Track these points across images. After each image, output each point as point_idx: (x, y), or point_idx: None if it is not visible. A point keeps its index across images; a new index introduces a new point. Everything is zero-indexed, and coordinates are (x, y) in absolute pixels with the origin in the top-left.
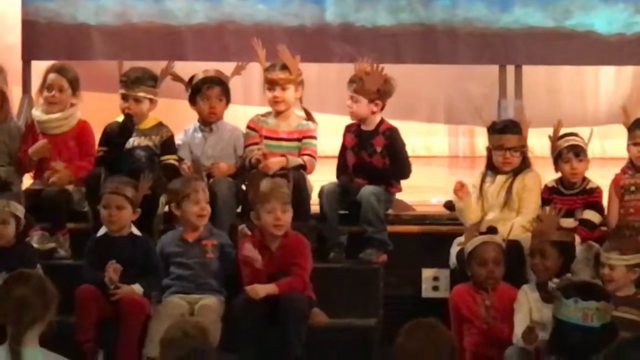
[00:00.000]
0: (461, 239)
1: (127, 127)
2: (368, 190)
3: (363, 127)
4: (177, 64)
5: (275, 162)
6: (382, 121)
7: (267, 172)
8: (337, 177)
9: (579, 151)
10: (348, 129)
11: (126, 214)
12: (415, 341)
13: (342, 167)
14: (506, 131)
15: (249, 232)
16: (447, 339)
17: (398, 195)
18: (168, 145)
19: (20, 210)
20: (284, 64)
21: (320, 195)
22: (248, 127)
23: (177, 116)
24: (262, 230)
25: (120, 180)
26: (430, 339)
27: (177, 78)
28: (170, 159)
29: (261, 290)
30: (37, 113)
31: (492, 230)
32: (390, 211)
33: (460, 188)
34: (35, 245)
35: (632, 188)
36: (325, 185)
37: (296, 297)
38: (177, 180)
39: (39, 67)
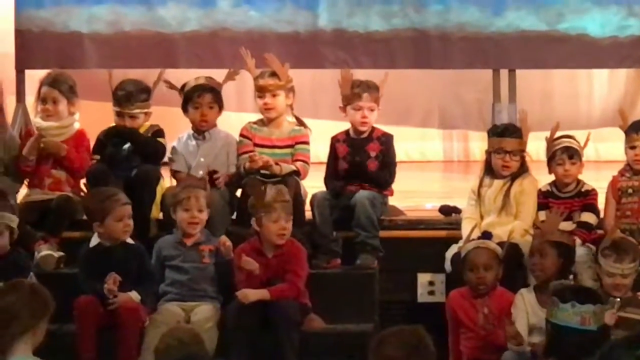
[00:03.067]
0: (460, 243)
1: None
2: (363, 195)
3: (354, 136)
4: (171, 71)
5: (272, 163)
6: (374, 128)
7: (262, 165)
8: (326, 186)
9: (572, 153)
10: (337, 139)
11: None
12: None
13: (332, 176)
14: (506, 134)
15: (229, 244)
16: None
17: (391, 200)
18: (158, 133)
19: (14, 221)
20: (273, 71)
21: (311, 202)
22: (241, 135)
23: (171, 123)
24: (260, 237)
25: (116, 191)
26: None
27: (172, 87)
28: (161, 140)
29: (251, 294)
30: (37, 120)
31: (486, 235)
32: (383, 216)
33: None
34: (46, 252)
35: (630, 190)
36: (316, 193)
37: (286, 304)
38: (179, 185)
39: (36, 75)
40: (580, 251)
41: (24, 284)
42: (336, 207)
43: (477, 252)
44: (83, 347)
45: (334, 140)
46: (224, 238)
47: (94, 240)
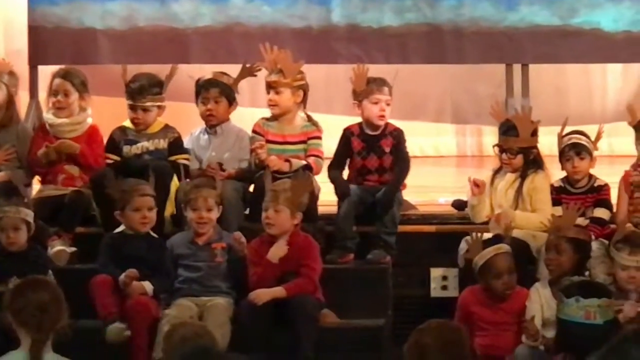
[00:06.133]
0: (469, 238)
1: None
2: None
3: (368, 131)
4: (189, 67)
5: (278, 162)
6: (386, 123)
7: (271, 166)
8: (329, 171)
9: (580, 149)
10: (351, 132)
11: (155, 213)
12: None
13: (336, 165)
14: (502, 132)
15: (244, 240)
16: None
17: (404, 194)
18: (176, 145)
19: (30, 215)
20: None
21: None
22: (253, 131)
23: (184, 119)
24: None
25: (139, 182)
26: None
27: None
28: (180, 158)
29: (264, 295)
30: (49, 116)
31: (497, 239)
32: None
33: (476, 185)
34: (59, 248)
35: None
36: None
37: (304, 299)
38: (189, 184)
39: (49, 71)
40: (593, 246)
41: (49, 281)
42: (361, 204)
43: (499, 258)
44: (105, 310)
45: (348, 132)
46: (238, 234)
47: (119, 229)
